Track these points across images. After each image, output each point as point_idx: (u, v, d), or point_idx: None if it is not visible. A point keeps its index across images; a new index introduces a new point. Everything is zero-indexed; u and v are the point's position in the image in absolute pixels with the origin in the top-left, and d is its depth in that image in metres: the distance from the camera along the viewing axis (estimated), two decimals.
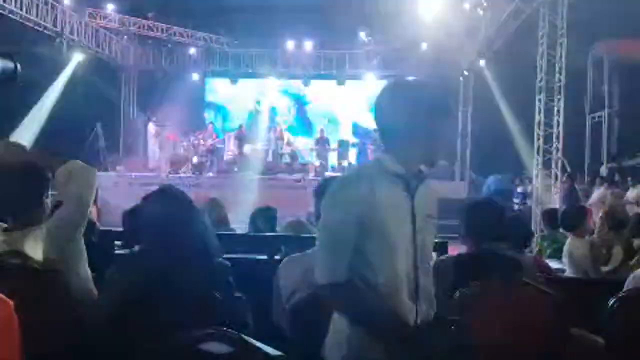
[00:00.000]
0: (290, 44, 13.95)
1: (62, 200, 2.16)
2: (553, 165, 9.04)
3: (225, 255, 2.35)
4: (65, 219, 2.09)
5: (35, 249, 2.06)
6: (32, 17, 10.16)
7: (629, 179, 8.99)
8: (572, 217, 3.83)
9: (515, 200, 10.34)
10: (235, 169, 11.83)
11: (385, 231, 1.54)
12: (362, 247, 1.54)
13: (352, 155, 13.01)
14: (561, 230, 4.13)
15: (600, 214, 4.07)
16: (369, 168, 1.64)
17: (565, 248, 3.77)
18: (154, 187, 2.21)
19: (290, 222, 3.67)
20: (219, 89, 14.93)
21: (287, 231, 3.55)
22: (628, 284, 2.50)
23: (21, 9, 9.79)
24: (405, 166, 1.58)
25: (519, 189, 10.47)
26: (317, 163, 12.52)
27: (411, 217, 1.57)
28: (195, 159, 11.74)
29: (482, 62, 11.46)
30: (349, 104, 14.33)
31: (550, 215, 4.48)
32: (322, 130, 13.15)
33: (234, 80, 14.31)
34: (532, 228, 7.45)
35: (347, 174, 1.84)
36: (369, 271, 1.55)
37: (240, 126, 13.02)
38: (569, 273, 3.63)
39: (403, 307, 1.57)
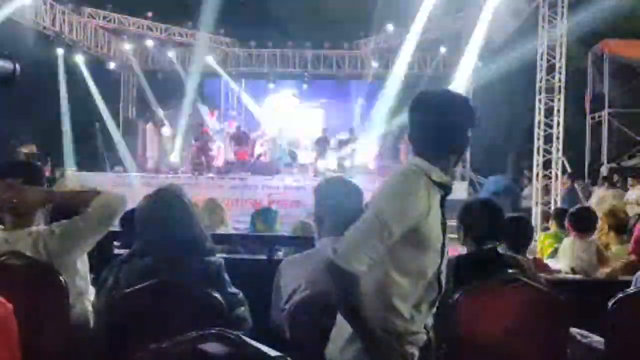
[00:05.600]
0: (289, 44, 13.96)
1: (60, 206, 2.16)
2: (553, 165, 9.04)
3: (225, 255, 2.36)
4: (79, 230, 2.08)
5: (34, 250, 2.06)
6: (31, 17, 10.15)
7: (629, 179, 8.98)
8: (585, 219, 3.77)
9: (525, 202, 10.11)
10: (234, 169, 11.82)
11: (427, 241, 1.59)
12: (399, 251, 1.56)
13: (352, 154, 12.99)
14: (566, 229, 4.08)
15: (601, 215, 4.05)
16: (422, 173, 1.61)
17: (565, 247, 3.75)
18: (153, 188, 2.21)
19: (297, 224, 3.68)
20: (218, 89, 14.93)
21: (295, 232, 3.56)
22: (635, 282, 2.49)
23: (19, 9, 9.77)
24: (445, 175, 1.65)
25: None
26: (317, 163, 12.51)
27: (441, 226, 1.62)
28: (196, 158, 11.75)
29: (481, 62, 11.46)
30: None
31: (562, 215, 4.40)
32: (323, 130, 13.14)
33: (233, 80, 14.31)
34: (532, 228, 7.41)
35: (407, 173, 1.62)
36: (398, 274, 1.58)
37: (238, 127, 13.02)
38: (569, 272, 3.62)
39: (421, 314, 1.63)
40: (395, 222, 1.53)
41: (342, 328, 1.66)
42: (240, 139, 12.44)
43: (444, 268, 1.67)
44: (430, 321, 1.68)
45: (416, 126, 1.68)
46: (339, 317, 1.69)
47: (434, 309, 1.68)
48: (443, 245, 1.63)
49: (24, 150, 8.28)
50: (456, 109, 1.66)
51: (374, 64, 13.40)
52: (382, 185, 1.64)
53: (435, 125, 1.63)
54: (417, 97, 1.70)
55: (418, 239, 1.57)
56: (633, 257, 3.46)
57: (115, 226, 2.24)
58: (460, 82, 13.43)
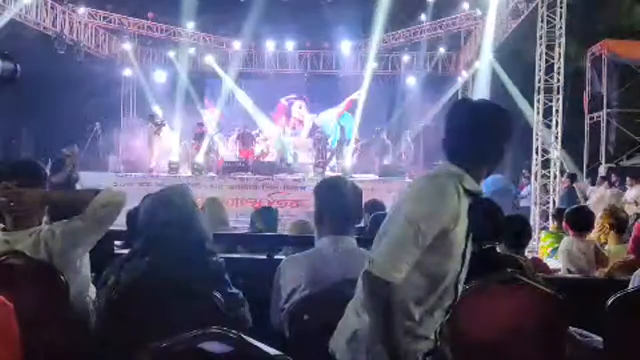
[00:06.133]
0: (290, 45, 13.97)
1: (59, 206, 2.17)
2: (552, 166, 9.06)
3: (225, 255, 2.36)
4: (80, 230, 2.09)
5: (35, 250, 2.06)
6: (31, 18, 10.17)
7: (628, 179, 9.00)
8: (582, 219, 3.78)
9: (524, 202, 10.11)
10: (235, 169, 11.84)
11: (452, 247, 1.58)
12: (424, 254, 1.55)
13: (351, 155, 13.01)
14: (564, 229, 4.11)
15: (600, 214, 4.06)
16: (455, 179, 1.60)
17: (564, 247, 3.76)
18: (153, 187, 2.21)
19: (296, 223, 3.69)
20: (219, 89, 14.95)
21: (293, 231, 3.56)
22: (634, 281, 2.50)
23: (21, 9, 9.79)
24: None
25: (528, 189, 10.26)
26: (317, 163, 12.53)
27: (467, 233, 1.62)
28: (197, 158, 11.77)
29: (480, 63, 11.48)
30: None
31: (562, 215, 4.42)
32: (322, 131, 13.17)
33: (233, 81, 14.33)
34: (532, 228, 7.42)
35: (438, 176, 1.63)
36: (418, 276, 1.57)
37: (245, 127, 13.06)
38: (565, 272, 3.63)
39: (434, 320, 1.63)
40: (428, 226, 1.52)
41: (349, 322, 1.66)
42: (246, 139, 12.57)
43: (463, 277, 1.66)
44: (439, 329, 1.67)
45: (453, 133, 1.66)
46: (348, 311, 1.69)
47: (447, 316, 1.67)
48: (464, 253, 1.62)
49: (66, 152, 8.22)
50: (495, 120, 1.65)
51: (375, 65, 13.41)
52: (411, 188, 1.63)
53: (474, 135, 1.62)
54: (456, 105, 1.71)
55: (444, 244, 1.56)
56: (632, 256, 3.47)
57: (116, 225, 2.24)
58: (461, 82, 13.47)
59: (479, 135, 1.62)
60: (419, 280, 1.58)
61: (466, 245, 1.62)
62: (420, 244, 1.52)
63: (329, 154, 12.83)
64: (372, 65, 13.05)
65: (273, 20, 12.38)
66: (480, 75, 11.89)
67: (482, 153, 1.64)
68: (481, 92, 12.56)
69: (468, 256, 1.65)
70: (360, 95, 13.31)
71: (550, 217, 7.92)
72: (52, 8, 10.78)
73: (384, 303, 1.52)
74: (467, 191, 1.60)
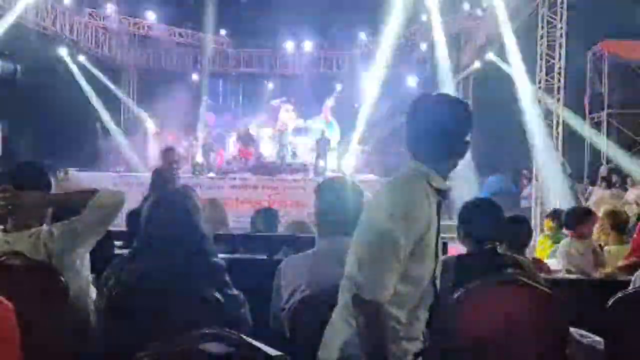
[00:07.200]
0: (290, 45, 13.97)
1: (62, 207, 2.17)
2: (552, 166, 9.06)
3: (225, 256, 2.36)
4: (79, 230, 2.09)
5: (35, 251, 2.06)
6: (31, 18, 10.17)
7: (628, 179, 9.00)
8: (578, 217, 3.79)
9: (524, 202, 10.10)
10: (235, 169, 11.86)
11: (426, 249, 1.58)
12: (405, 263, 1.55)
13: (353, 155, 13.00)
14: (564, 230, 4.13)
15: (601, 215, 4.06)
16: (421, 179, 1.59)
17: (563, 248, 3.76)
18: None
19: (293, 222, 3.69)
20: (219, 89, 14.95)
21: (290, 231, 3.56)
22: (634, 282, 2.50)
23: (21, 10, 9.79)
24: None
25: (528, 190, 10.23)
26: (317, 163, 12.53)
27: (437, 231, 1.62)
28: (197, 158, 11.79)
29: (480, 63, 11.49)
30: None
31: (559, 216, 4.43)
32: (323, 131, 13.17)
33: (232, 81, 14.35)
34: (532, 228, 7.40)
35: (406, 181, 1.61)
36: (402, 284, 1.57)
37: (247, 127, 13.07)
38: (564, 272, 3.63)
39: (419, 320, 1.63)
40: (406, 238, 1.53)
41: (336, 332, 1.66)
42: (247, 139, 12.60)
43: (438, 273, 1.67)
44: (425, 329, 1.68)
45: (415, 131, 1.66)
46: (335, 319, 1.69)
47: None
48: (436, 250, 1.63)
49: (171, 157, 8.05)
50: (455, 113, 1.64)
51: (382, 66, 13.37)
52: (383, 196, 1.62)
53: (434, 130, 1.61)
54: (415, 102, 1.68)
55: (419, 248, 1.57)
56: (634, 257, 3.47)
57: (117, 225, 2.24)
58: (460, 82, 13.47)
59: (440, 130, 1.61)
60: (400, 287, 1.57)
61: (437, 243, 1.63)
62: (402, 257, 1.53)
63: (329, 155, 12.83)
64: (380, 66, 12.97)
65: (273, 21, 12.38)
66: (480, 75, 11.89)
67: (445, 148, 1.63)
68: (481, 92, 12.56)
69: (440, 253, 1.66)
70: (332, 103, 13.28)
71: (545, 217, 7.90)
72: (52, 8, 10.78)
73: (377, 324, 1.52)
74: (434, 189, 1.60)
